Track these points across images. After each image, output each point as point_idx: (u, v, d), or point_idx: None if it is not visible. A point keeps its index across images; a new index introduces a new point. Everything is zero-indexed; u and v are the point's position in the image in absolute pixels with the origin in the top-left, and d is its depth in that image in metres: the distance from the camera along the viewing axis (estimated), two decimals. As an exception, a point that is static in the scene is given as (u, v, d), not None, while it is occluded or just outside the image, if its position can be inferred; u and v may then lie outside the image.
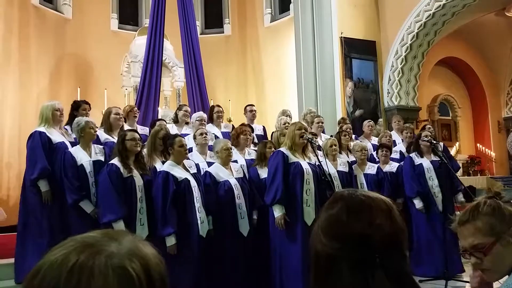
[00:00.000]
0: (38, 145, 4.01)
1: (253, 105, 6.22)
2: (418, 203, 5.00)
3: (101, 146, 4.16)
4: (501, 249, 1.33)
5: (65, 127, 4.56)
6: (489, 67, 12.69)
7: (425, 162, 5.06)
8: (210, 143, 4.78)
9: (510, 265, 1.36)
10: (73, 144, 4.24)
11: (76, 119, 4.22)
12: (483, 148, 12.53)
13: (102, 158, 4.01)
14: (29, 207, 4.07)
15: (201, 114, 5.45)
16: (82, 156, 3.95)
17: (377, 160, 5.57)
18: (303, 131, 4.20)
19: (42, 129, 4.12)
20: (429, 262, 4.86)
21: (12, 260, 4.13)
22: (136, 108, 5.41)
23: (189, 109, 5.82)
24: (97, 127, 4.15)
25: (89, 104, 4.79)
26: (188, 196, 3.80)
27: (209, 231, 3.91)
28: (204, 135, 4.56)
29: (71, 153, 3.96)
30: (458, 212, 1.60)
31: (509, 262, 1.36)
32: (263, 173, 4.48)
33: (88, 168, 3.92)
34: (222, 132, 5.58)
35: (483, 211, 1.38)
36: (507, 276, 1.35)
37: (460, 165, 11.89)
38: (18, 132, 8.18)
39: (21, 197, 4.19)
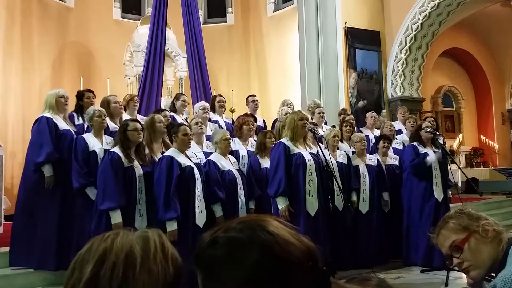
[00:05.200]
0: (45, 129, 3.99)
1: (255, 96, 6.20)
2: (431, 156, 4.87)
3: (112, 138, 4.15)
4: (476, 242, 1.42)
5: (72, 113, 4.58)
6: (494, 58, 12.60)
7: (430, 152, 5.05)
8: (210, 132, 4.77)
9: (490, 257, 1.41)
10: (77, 133, 4.24)
11: (88, 108, 4.24)
12: (487, 139, 12.49)
13: None
14: (31, 191, 4.06)
15: (203, 103, 5.42)
16: (95, 143, 3.96)
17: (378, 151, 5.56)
18: (304, 121, 4.18)
19: (48, 114, 4.11)
20: (416, 250, 4.87)
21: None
22: (136, 97, 5.40)
23: (187, 99, 5.79)
24: (105, 116, 4.14)
25: (93, 92, 4.78)
26: (191, 183, 3.79)
27: (218, 218, 3.92)
28: (200, 124, 4.53)
29: (84, 138, 3.96)
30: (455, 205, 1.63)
31: (487, 254, 1.41)
32: (264, 162, 4.48)
33: (100, 155, 3.91)
34: (224, 122, 5.59)
35: (452, 215, 1.49)
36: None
37: (464, 156, 11.91)
38: (22, 121, 8.20)
39: (21, 181, 4.17)
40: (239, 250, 0.75)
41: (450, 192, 5.24)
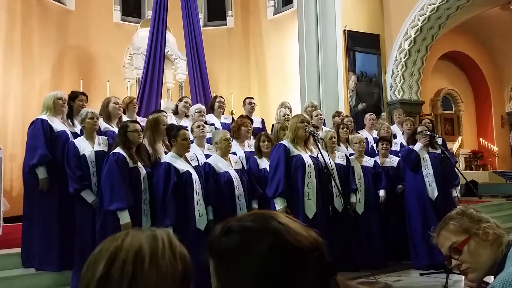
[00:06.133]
0: (40, 132, 4.02)
1: (252, 98, 6.21)
2: (417, 145, 5.01)
3: (105, 137, 4.17)
4: (476, 244, 1.41)
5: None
6: (493, 61, 12.63)
7: (426, 155, 5.06)
8: (210, 135, 4.77)
9: (489, 260, 1.40)
10: (75, 134, 4.25)
11: (81, 111, 4.24)
12: (486, 142, 12.51)
13: (106, 149, 4.02)
14: (29, 194, 4.09)
15: (199, 106, 5.43)
16: (85, 146, 3.97)
17: (377, 153, 5.57)
18: (305, 124, 4.20)
19: (44, 116, 4.12)
20: (424, 252, 4.86)
21: (17, 250, 4.17)
22: (135, 100, 5.39)
23: (189, 101, 5.79)
24: (98, 118, 4.14)
25: (87, 96, 4.76)
26: (188, 188, 3.80)
27: (209, 222, 3.91)
28: (201, 127, 4.55)
29: (74, 143, 3.98)
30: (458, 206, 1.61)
31: (487, 257, 1.40)
32: (262, 163, 4.49)
33: (91, 158, 3.93)
34: (221, 123, 5.58)
35: (453, 216, 1.47)
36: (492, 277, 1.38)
37: (463, 159, 11.92)
38: (22, 123, 8.20)
39: (23, 185, 4.22)
40: (252, 237, 0.78)
41: (456, 191, 5.20)
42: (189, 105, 5.65)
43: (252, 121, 5.30)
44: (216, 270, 0.80)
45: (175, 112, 5.52)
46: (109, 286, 0.75)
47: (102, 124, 4.44)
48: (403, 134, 6.22)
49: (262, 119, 6.20)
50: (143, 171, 3.75)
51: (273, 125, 5.64)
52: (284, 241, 0.77)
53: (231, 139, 4.47)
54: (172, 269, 0.78)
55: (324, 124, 6.08)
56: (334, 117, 6.44)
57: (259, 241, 0.77)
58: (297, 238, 0.78)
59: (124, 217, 3.51)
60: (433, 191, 4.93)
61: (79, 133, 4.33)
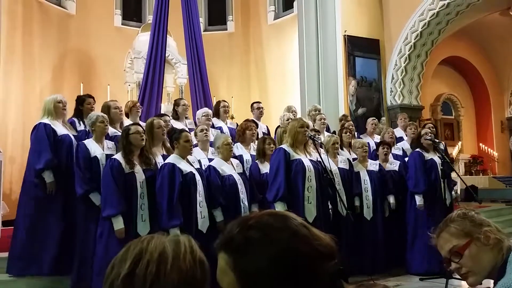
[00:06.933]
0: (43, 136, 4.01)
1: (260, 102, 6.22)
2: (419, 200, 4.96)
3: (113, 142, 4.17)
4: (477, 249, 1.39)
5: (73, 118, 4.58)
6: (493, 66, 12.66)
7: (435, 157, 5.06)
8: (213, 138, 4.77)
9: (490, 265, 1.39)
10: (77, 137, 4.25)
11: (90, 114, 4.25)
12: (486, 147, 12.51)
13: (114, 153, 4.02)
14: (32, 198, 4.06)
15: (206, 110, 5.42)
16: (96, 149, 3.97)
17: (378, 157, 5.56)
18: (305, 128, 4.20)
19: (46, 120, 4.12)
20: (422, 257, 4.84)
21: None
22: (138, 104, 5.42)
23: (187, 103, 5.79)
24: (108, 122, 4.15)
25: (93, 98, 4.78)
26: (192, 189, 3.80)
27: (219, 223, 3.92)
28: (205, 131, 4.55)
29: (85, 144, 3.97)
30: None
31: (487, 261, 1.39)
32: (264, 168, 4.48)
33: (102, 160, 3.93)
34: (228, 128, 5.59)
35: (454, 218, 1.46)
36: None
37: (463, 164, 11.92)
38: (22, 127, 8.20)
39: (22, 188, 4.18)
40: (273, 233, 0.82)
41: (454, 194, 5.26)
42: (187, 106, 5.65)
43: (257, 125, 5.31)
44: (234, 263, 0.83)
45: (175, 117, 5.51)
46: (133, 284, 0.80)
47: (111, 129, 4.45)
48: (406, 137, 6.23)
49: (267, 127, 6.18)
50: (141, 176, 3.72)
51: (277, 128, 5.64)
52: (303, 240, 0.81)
53: (232, 143, 4.47)
54: (192, 272, 0.83)
55: (327, 129, 6.07)
56: (341, 120, 6.43)
57: (280, 236, 0.81)
58: (317, 240, 0.83)
59: (118, 223, 3.53)
60: (448, 198, 4.93)
61: (83, 137, 4.33)
